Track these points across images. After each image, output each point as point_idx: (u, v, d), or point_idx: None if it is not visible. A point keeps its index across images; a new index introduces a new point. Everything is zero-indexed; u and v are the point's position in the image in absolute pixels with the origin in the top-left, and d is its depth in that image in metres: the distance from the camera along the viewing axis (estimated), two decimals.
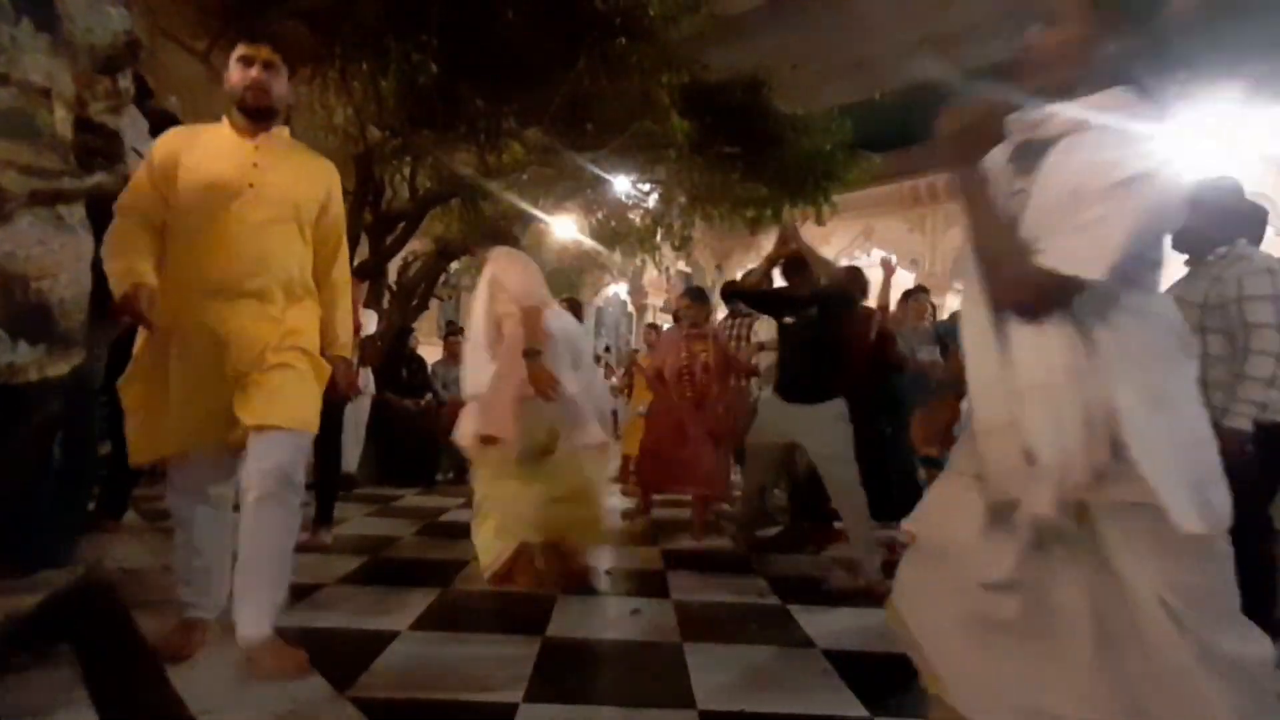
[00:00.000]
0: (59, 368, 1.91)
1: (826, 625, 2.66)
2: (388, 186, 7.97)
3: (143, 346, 1.97)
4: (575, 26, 6.18)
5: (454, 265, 8.84)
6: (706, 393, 4.50)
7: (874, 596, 2.90)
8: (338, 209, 2.21)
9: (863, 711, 1.92)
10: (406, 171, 7.93)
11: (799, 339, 3.52)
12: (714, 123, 7.25)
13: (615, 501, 5.68)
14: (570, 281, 13.19)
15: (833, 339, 3.48)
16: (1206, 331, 2.48)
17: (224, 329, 1.92)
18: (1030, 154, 1.21)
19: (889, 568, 2.94)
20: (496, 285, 3.15)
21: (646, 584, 3.23)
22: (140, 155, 2.22)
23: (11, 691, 1.78)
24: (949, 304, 11.48)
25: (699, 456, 4.40)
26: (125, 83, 2.02)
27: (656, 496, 5.05)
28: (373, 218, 7.73)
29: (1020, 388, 1.16)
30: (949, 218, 13.07)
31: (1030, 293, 1.14)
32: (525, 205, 7.76)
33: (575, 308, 5.90)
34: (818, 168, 7.94)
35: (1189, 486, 1.07)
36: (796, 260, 3.59)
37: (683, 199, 8.54)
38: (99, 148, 1.95)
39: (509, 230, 3.82)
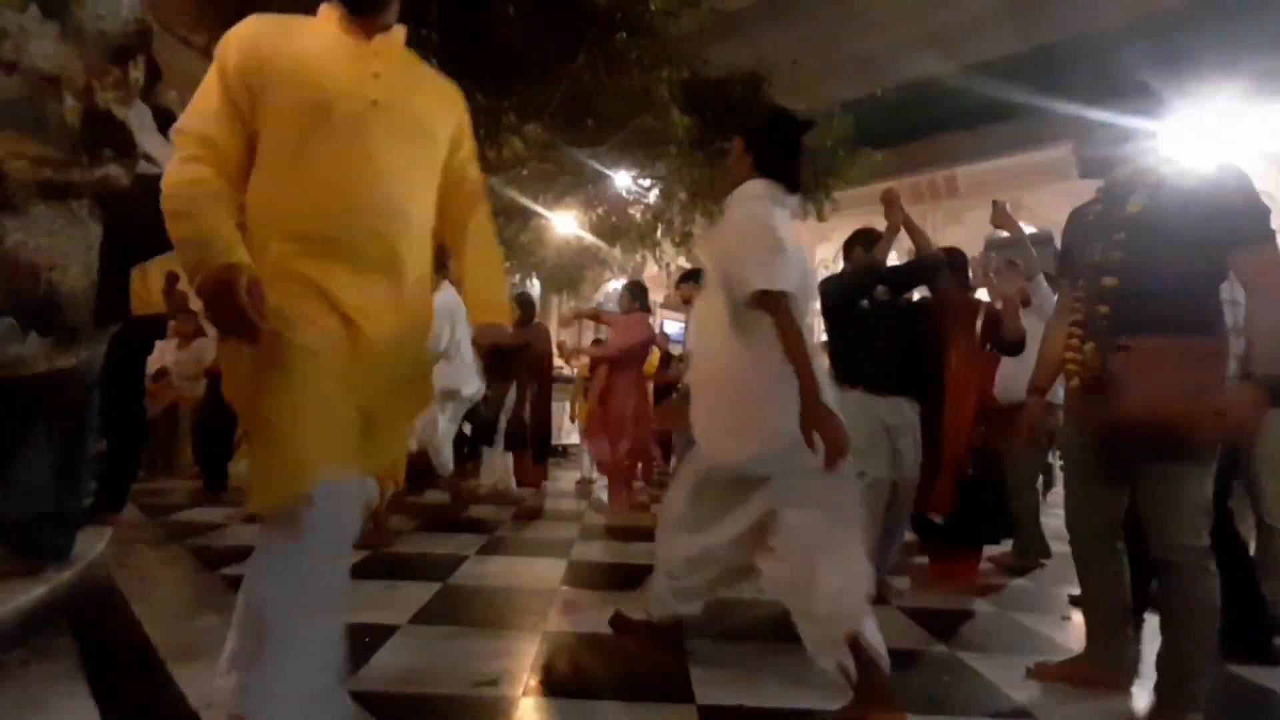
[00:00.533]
0: (66, 360, 1.90)
1: None
2: None
3: (236, 341, 1.26)
4: (575, 22, 6.18)
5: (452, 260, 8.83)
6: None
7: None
8: (472, 144, 1.72)
9: None
10: None
11: (875, 325, 3.13)
12: (714, 118, 7.25)
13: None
14: (570, 277, 13.15)
15: (912, 323, 3.25)
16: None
17: (356, 312, 1.34)
18: None
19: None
20: None
21: (645, 579, 3.23)
22: (145, 153, 2.19)
23: (12, 684, 1.78)
24: None
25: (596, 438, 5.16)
26: (136, 73, 1.99)
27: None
28: None
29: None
30: (950, 214, 13.07)
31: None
32: (526, 201, 7.76)
33: (526, 304, 6.02)
34: (819, 164, 7.94)
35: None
36: (859, 234, 3.49)
37: (683, 195, 8.53)
38: (107, 138, 1.92)
39: None
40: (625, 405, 5.01)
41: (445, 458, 4.32)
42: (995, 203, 3.49)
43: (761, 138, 2.13)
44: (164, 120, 2.66)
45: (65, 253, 1.82)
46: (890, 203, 3.18)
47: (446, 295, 4.03)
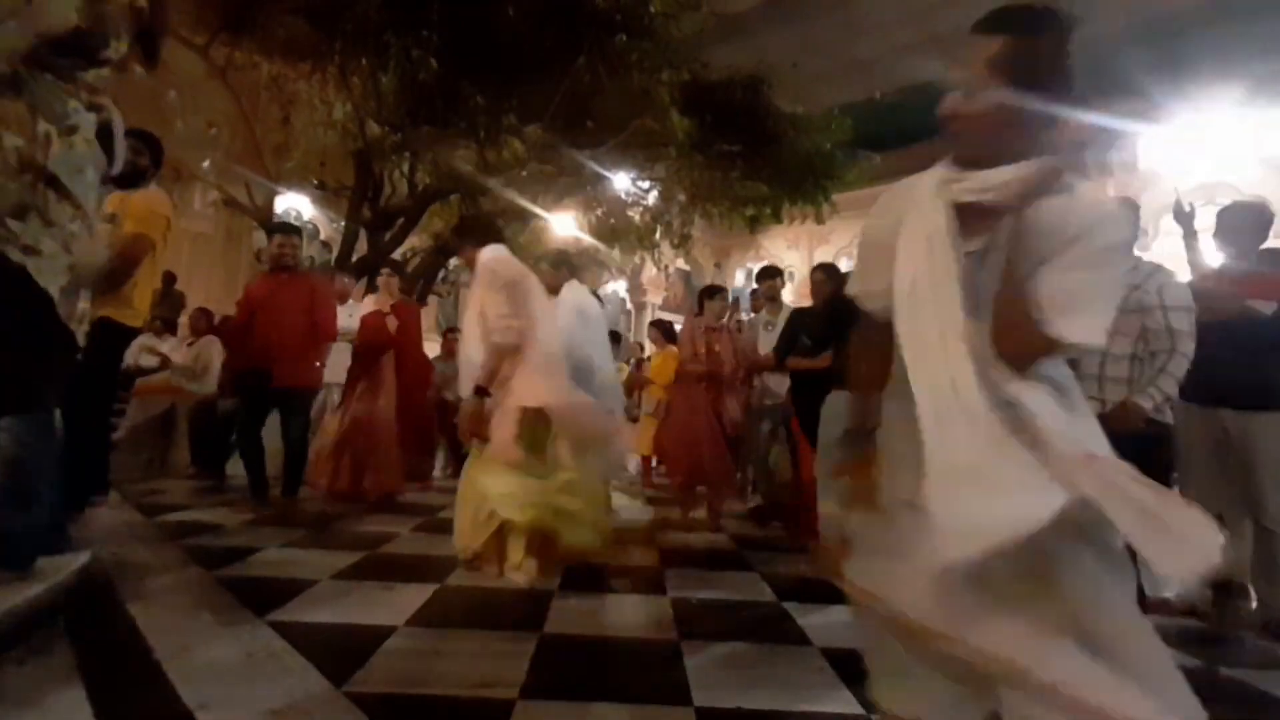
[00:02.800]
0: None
1: (823, 623, 2.65)
2: (387, 182, 7.97)
3: None
4: (575, 24, 6.18)
5: (452, 261, 8.84)
6: (721, 388, 4.62)
7: None
8: None
9: (858, 709, 1.92)
10: (406, 168, 7.93)
11: None
12: (714, 121, 7.26)
13: (625, 502, 5.67)
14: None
15: None
16: (1115, 334, 2.72)
17: None
18: (976, 217, 1.26)
19: None
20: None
21: (644, 581, 3.23)
22: None
23: (9, 684, 1.78)
24: None
25: (715, 455, 4.53)
26: None
27: (655, 493, 5.12)
28: (371, 214, 7.71)
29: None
30: None
31: (1034, 352, 1.20)
32: (525, 202, 7.76)
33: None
34: (817, 167, 7.95)
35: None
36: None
37: (682, 197, 8.54)
38: None
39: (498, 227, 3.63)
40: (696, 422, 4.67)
41: None
42: None
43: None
44: None
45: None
46: None
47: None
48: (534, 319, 3.10)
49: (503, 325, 2.96)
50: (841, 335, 3.27)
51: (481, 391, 2.95)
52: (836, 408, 3.36)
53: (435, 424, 6.16)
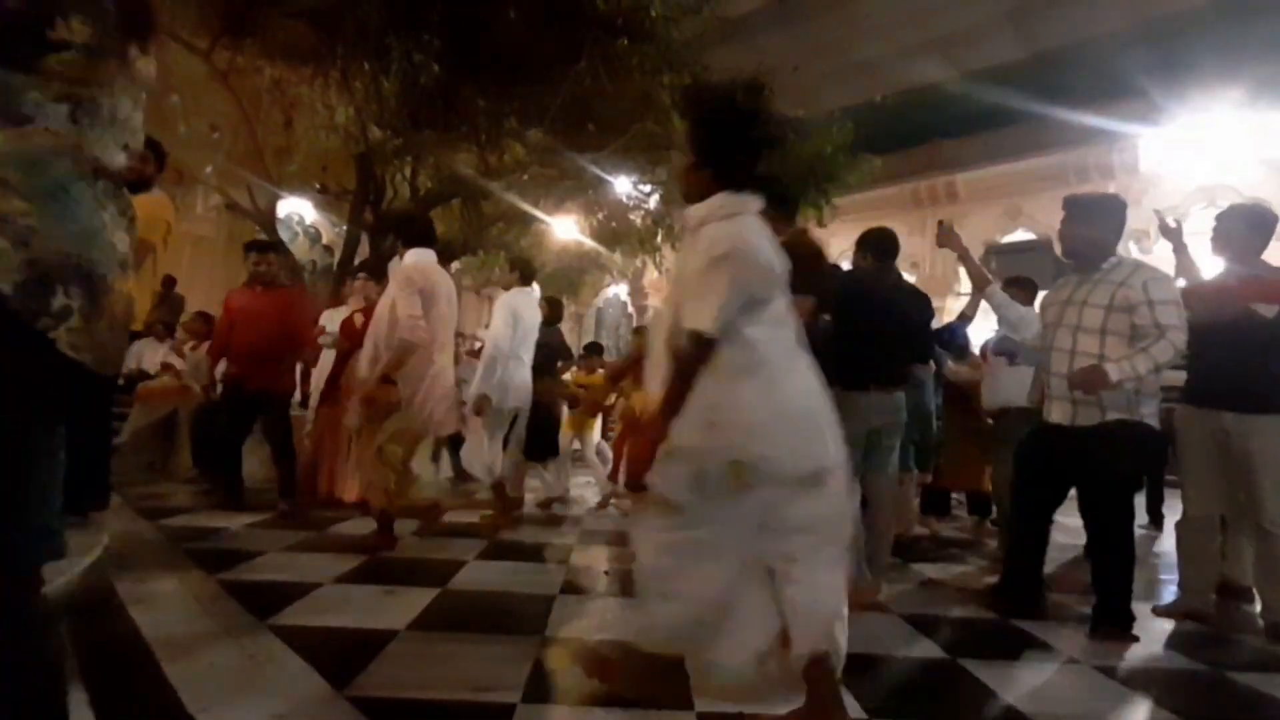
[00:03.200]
0: None
1: None
2: (389, 186, 7.97)
3: None
4: (577, 27, 6.19)
5: (454, 265, 8.85)
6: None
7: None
8: None
9: (860, 713, 1.92)
10: (408, 171, 7.93)
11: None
12: None
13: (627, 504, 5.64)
14: (570, 282, 13.17)
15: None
16: (1106, 334, 2.72)
17: None
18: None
19: None
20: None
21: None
22: None
23: None
24: (949, 306, 11.48)
25: None
26: None
27: None
28: (373, 217, 7.72)
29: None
30: (950, 219, 13.12)
31: (682, 351, 1.66)
32: (526, 206, 7.78)
33: (554, 306, 5.96)
34: (819, 170, 7.95)
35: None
36: (870, 238, 3.38)
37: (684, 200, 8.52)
38: None
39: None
40: None
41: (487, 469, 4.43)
42: (941, 223, 3.53)
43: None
44: None
45: None
46: (948, 234, 3.26)
47: (513, 296, 4.32)
48: (436, 323, 3.45)
49: (412, 324, 3.30)
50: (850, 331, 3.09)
51: (388, 380, 3.31)
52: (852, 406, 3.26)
53: None
